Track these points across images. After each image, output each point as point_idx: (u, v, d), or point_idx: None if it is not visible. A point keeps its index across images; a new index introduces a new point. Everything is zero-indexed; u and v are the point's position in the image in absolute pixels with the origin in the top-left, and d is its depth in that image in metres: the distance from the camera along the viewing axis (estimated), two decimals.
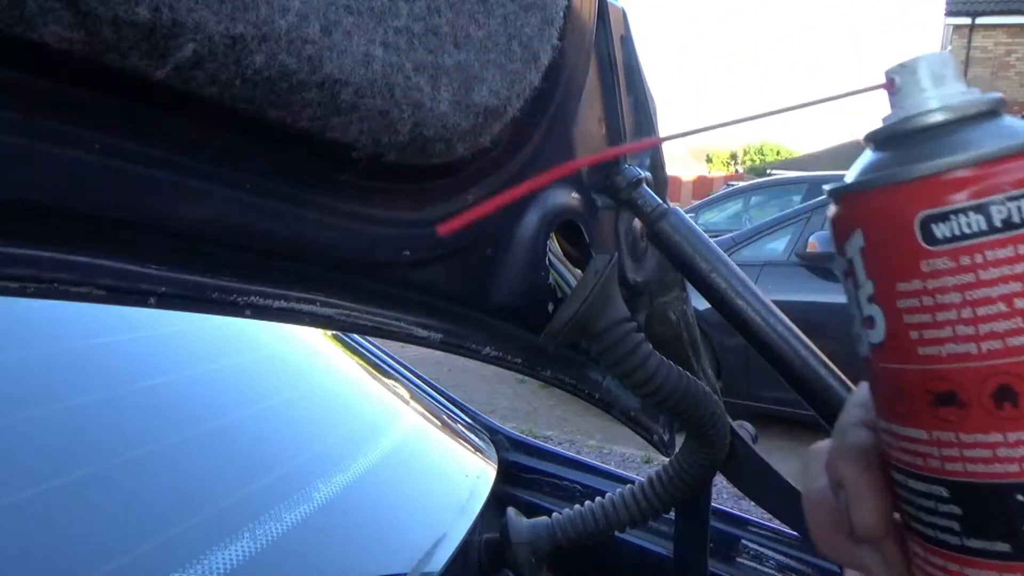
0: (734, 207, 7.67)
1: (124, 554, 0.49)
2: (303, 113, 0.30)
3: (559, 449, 0.95)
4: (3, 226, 0.24)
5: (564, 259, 0.50)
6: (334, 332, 1.00)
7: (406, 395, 0.97)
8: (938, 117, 0.28)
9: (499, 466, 0.86)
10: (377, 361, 1.03)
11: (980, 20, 14.51)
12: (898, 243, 0.26)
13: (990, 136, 0.26)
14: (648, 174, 0.55)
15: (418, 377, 1.04)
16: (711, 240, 0.53)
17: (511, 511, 0.70)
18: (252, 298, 0.33)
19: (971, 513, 0.26)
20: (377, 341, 1.05)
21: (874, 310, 0.28)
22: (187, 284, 0.30)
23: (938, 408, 0.26)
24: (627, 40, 0.55)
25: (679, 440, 0.63)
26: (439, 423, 0.95)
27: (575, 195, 0.51)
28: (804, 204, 4.51)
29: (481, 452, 0.89)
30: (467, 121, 0.37)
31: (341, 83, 0.30)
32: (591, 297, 0.47)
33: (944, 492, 0.27)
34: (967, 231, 0.25)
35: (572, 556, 0.68)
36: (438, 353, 0.51)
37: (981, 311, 0.25)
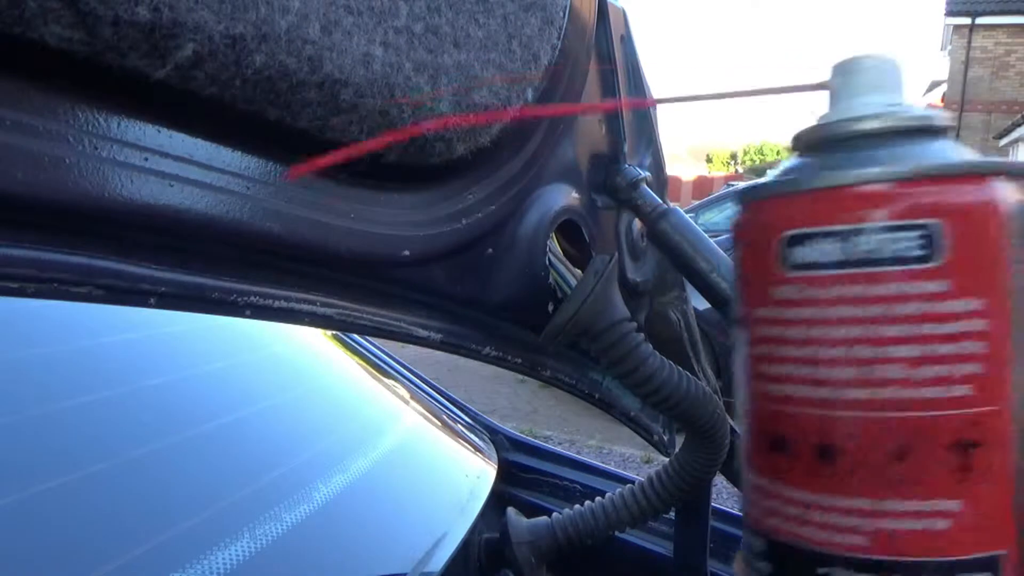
0: (734, 207, 7.66)
1: (124, 554, 0.49)
2: (303, 113, 0.30)
3: (559, 449, 0.95)
4: (3, 226, 0.24)
5: (564, 259, 0.50)
6: (334, 332, 1.00)
7: (406, 395, 0.97)
8: (826, 132, 0.25)
9: (499, 466, 0.86)
10: (377, 361, 1.03)
11: (980, 20, 14.51)
12: (761, 263, 0.24)
13: (864, 160, 0.23)
14: (648, 174, 0.55)
15: (418, 377, 1.04)
16: (711, 240, 0.53)
17: (511, 511, 0.70)
18: (252, 298, 0.33)
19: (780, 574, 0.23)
20: (377, 341, 1.05)
21: (737, 336, 0.25)
22: (187, 284, 0.30)
23: (771, 454, 0.24)
24: (627, 40, 0.55)
25: (679, 440, 0.63)
26: (439, 423, 0.95)
27: (575, 195, 0.51)
28: None
29: (481, 452, 0.89)
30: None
31: (341, 83, 0.30)
32: (591, 297, 0.47)
33: (761, 545, 0.24)
34: (820, 260, 0.22)
35: (572, 556, 0.68)
36: (438, 353, 0.51)
37: (821, 353, 0.22)
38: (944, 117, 0.24)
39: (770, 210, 0.24)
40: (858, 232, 0.21)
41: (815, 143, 0.26)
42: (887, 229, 0.21)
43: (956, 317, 0.21)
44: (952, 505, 0.21)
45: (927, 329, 0.21)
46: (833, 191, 0.22)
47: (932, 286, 0.21)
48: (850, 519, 0.21)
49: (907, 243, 0.21)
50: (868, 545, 0.21)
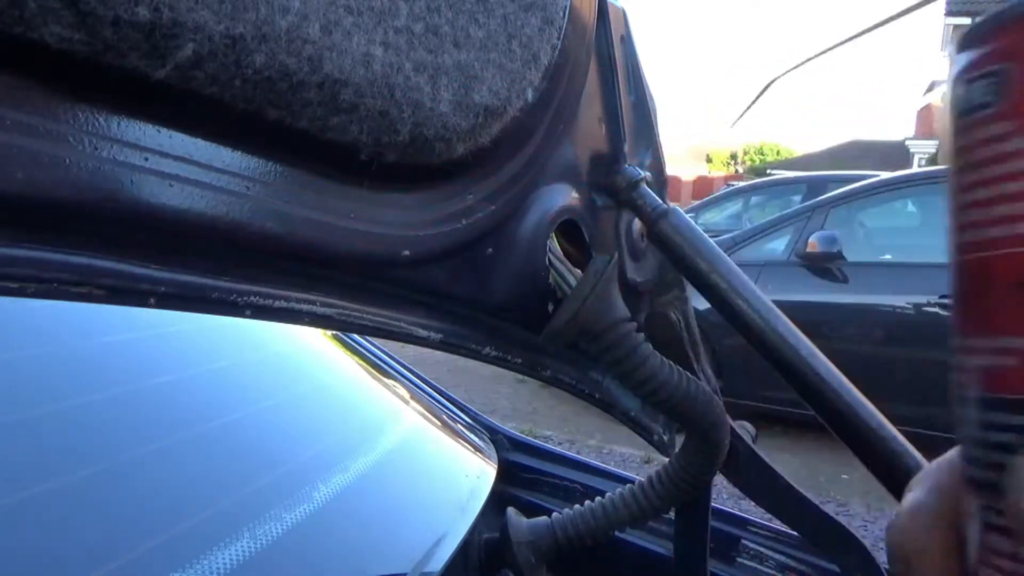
0: (734, 207, 7.67)
1: (124, 554, 0.49)
2: (303, 113, 0.30)
3: (559, 449, 0.95)
4: (4, 226, 0.24)
5: (564, 259, 0.50)
6: (334, 332, 1.00)
7: (406, 395, 0.97)
8: None
9: (499, 466, 0.86)
10: (377, 361, 1.03)
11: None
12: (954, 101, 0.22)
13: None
14: (648, 174, 0.55)
15: (418, 377, 1.04)
16: (711, 240, 0.53)
17: (511, 511, 0.70)
18: (252, 298, 0.33)
19: None
20: (377, 341, 1.05)
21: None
22: (187, 284, 0.30)
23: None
24: (627, 40, 0.55)
25: (679, 440, 0.63)
26: (439, 423, 0.95)
27: (575, 195, 0.51)
28: (804, 204, 4.51)
29: (481, 452, 0.89)
30: (467, 121, 0.37)
31: (341, 83, 0.30)
32: (591, 297, 0.47)
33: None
34: (957, 106, 0.21)
35: (572, 556, 0.68)
36: (438, 353, 0.51)
37: (961, 199, 0.21)
38: None
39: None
40: (955, 82, 0.21)
41: None
42: (972, 79, 0.21)
43: None
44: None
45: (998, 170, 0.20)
46: (964, 35, 0.22)
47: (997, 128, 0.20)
48: None
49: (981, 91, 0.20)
50: None
